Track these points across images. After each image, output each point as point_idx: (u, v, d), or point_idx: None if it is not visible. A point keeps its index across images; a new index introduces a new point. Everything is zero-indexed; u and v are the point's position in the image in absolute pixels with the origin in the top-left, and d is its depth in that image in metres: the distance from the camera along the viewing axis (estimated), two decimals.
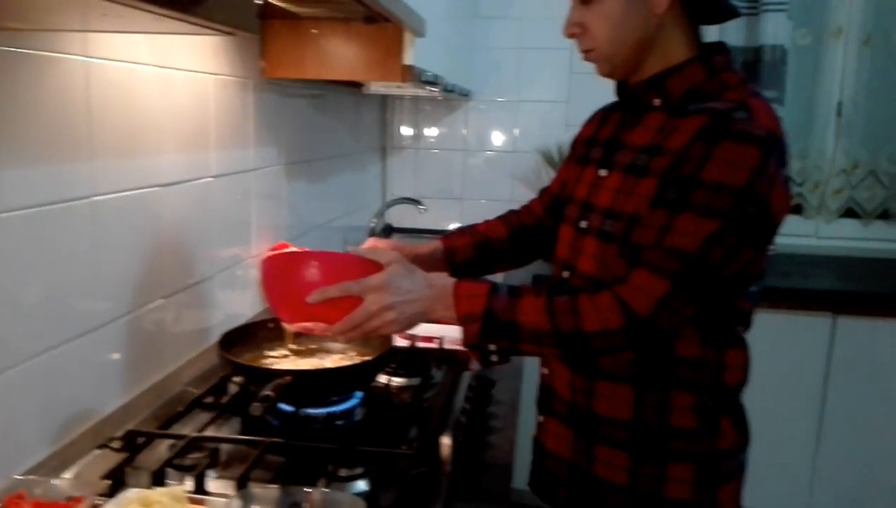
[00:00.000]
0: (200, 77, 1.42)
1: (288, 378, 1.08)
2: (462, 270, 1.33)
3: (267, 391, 1.00)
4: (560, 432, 1.21)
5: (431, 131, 3.08)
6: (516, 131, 3.02)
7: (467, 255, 1.34)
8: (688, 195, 0.98)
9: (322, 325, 1.05)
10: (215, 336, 1.51)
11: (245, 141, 1.65)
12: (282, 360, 1.30)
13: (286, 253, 1.11)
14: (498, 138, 3.05)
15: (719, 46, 1.13)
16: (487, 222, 1.41)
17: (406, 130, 3.08)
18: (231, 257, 1.63)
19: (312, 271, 1.04)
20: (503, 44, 2.95)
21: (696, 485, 1.11)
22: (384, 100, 3.00)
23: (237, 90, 1.59)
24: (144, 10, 0.59)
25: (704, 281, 0.99)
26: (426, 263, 1.26)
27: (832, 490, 2.45)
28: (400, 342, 1.54)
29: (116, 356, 1.22)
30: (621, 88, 1.19)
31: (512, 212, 1.44)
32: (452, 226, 3.07)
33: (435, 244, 1.34)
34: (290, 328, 1.14)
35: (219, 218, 1.55)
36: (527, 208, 1.43)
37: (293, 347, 1.33)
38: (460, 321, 1.03)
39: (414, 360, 1.42)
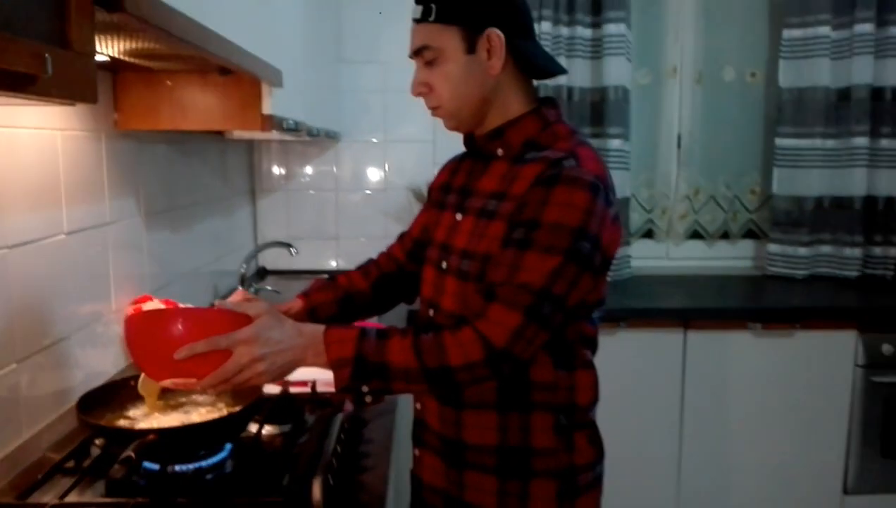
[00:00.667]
0: (47, 134, 1.39)
1: (151, 437, 1.07)
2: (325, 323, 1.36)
3: (128, 452, 0.99)
4: (433, 463, 1.27)
5: (303, 172, 3.10)
6: (387, 170, 3.09)
7: (330, 312, 1.37)
8: (531, 235, 1.08)
9: (191, 380, 1.05)
10: (76, 397, 1.46)
11: (99, 194, 1.61)
12: (146, 417, 1.28)
13: (151, 311, 1.10)
14: (369, 177, 3.11)
15: (551, 101, 1.25)
16: (348, 274, 1.45)
17: (276, 172, 3.08)
18: (90, 313, 1.58)
19: (178, 328, 1.04)
20: (369, 87, 3.02)
21: (558, 500, 1.20)
22: (251, 144, 3.00)
23: (88, 144, 1.56)
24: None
25: (552, 311, 1.08)
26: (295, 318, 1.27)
27: (696, 490, 2.64)
28: (271, 388, 1.54)
29: None
30: (468, 140, 1.29)
31: (371, 262, 1.48)
32: (330, 264, 3.09)
33: (295, 303, 1.36)
34: (157, 384, 1.13)
35: (75, 275, 1.50)
36: (387, 255, 1.49)
37: (159, 403, 1.31)
38: (332, 366, 1.07)
39: (286, 406, 1.43)
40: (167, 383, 1.07)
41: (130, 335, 1.08)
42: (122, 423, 1.24)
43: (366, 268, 1.47)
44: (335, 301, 1.38)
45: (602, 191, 1.11)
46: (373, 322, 2.21)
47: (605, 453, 1.28)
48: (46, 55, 0.66)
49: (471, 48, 1.17)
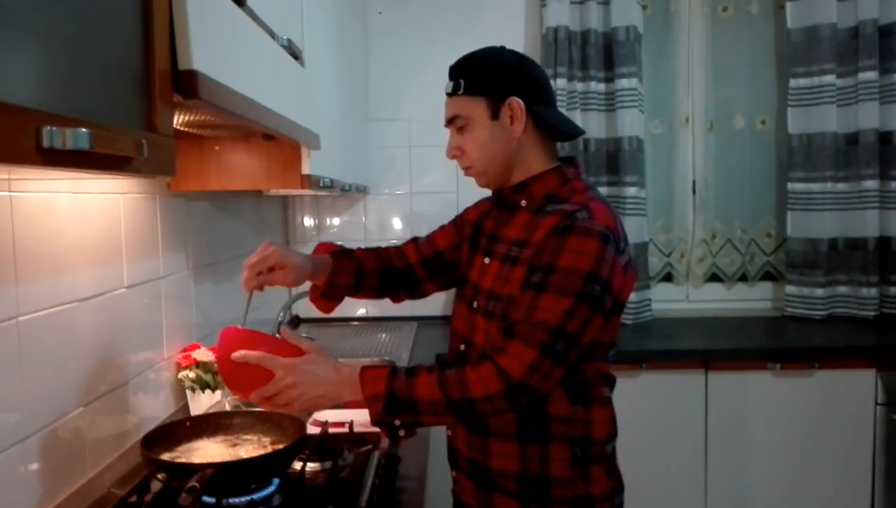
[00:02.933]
0: (112, 197, 1.54)
1: (210, 470, 1.18)
2: (336, 289, 1.50)
3: (193, 483, 1.10)
4: (466, 484, 1.40)
5: (333, 224, 3.25)
6: (413, 220, 3.23)
7: (346, 281, 1.50)
8: (547, 278, 1.20)
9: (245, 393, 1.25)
10: (132, 439, 1.59)
11: (154, 250, 1.76)
12: (201, 454, 1.39)
13: (238, 329, 1.29)
14: (396, 227, 3.25)
15: (571, 160, 1.40)
16: (363, 250, 1.57)
17: (308, 224, 3.24)
18: (145, 361, 1.71)
19: (248, 344, 1.24)
20: (395, 143, 3.19)
21: None
22: (285, 198, 3.16)
23: (145, 204, 1.71)
24: (88, 175, 0.74)
25: (566, 348, 1.20)
26: (315, 271, 1.45)
27: None
28: (312, 429, 1.65)
29: (37, 465, 1.28)
30: (496, 192, 1.43)
31: (382, 249, 1.60)
32: (360, 312, 3.22)
33: (323, 257, 1.49)
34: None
35: (132, 325, 1.64)
36: (398, 252, 1.60)
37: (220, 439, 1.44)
38: (367, 401, 1.21)
39: (326, 445, 1.53)
40: (235, 393, 1.31)
41: (219, 343, 1.28)
42: (180, 459, 1.35)
43: (377, 252, 1.58)
44: (353, 272, 1.51)
45: (612, 240, 1.23)
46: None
47: (624, 486, 1.36)
48: (143, 141, 0.80)
49: (495, 115, 1.32)
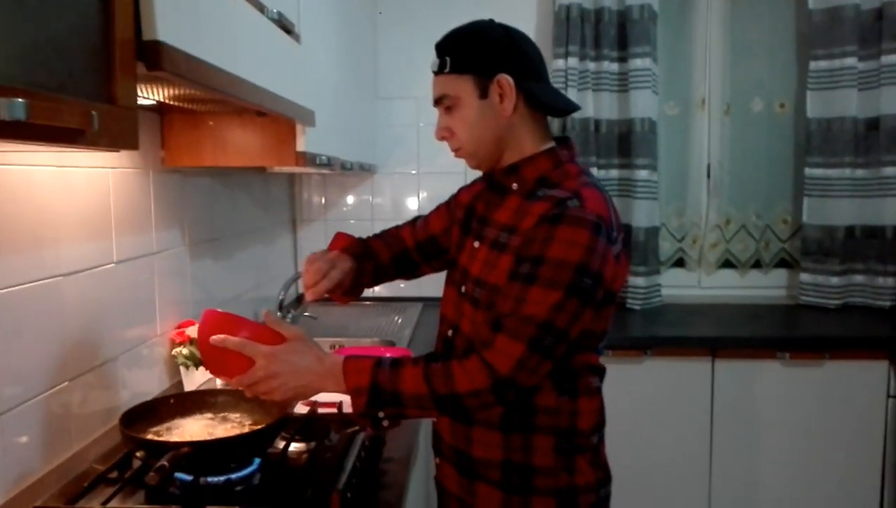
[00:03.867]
0: (100, 172, 1.53)
1: (185, 449, 1.17)
2: (356, 290, 1.52)
3: (162, 462, 1.09)
4: (449, 472, 1.37)
5: (342, 202, 3.23)
6: (421, 199, 3.21)
7: (367, 281, 1.53)
8: (536, 270, 1.16)
9: (227, 378, 1.22)
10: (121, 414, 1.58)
11: (147, 226, 1.75)
12: (182, 432, 1.38)
13: (219, 313, 1.26)
14: (405, 207, 3.22)
15: (565, 140, 1.34)
16: (375, 242, 1.59)
17: (316, 203, 3.22)
18: (137, 337, 1.70)
19: (228, 329, 1.20)
20: (404, 121, 3.16)
21: None
22: (292, 176, 3.14)
23: (137, 179, 1.70)
24: (63, 149, 0.72)
25: (554, 342, 1.16)
26: (347, 278, 1.45)
27: None
28: (301, 408, 1.64)
29: (22, 438, 1.28)
30: (487, 174, 1.38)
31: (388, 234, 1.61)
32: (366, 293, 3.19)
33: (347, 267, 1.47)
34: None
35: (123, 301, 1.63)
36: (397, 235, 1.60)
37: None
38: (350, 393, 1.18)
39: (313, 425, 1.52)
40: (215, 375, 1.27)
41: (200, 325, 1.25)
42: (161, 436, 1.35)
43: (387, 241, 1.59)
44: (373, 272, 1.54)
45: (604, 230, 1.18)
46: (401, 348, 2.30)
47: (611, 476, 1.33)
48: (93, 112, 0.78)
49: (483, 94, 1.26)
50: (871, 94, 2.85)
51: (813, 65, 2.90)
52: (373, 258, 1.54)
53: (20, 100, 0.65)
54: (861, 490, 2.59)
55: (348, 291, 1.51)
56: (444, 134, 1.33)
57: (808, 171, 2.95)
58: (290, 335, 1.22)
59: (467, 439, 1.30)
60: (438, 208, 1.58)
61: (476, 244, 1.34)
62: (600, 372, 1.33)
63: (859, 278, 2.97)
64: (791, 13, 3.08)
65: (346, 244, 1.55)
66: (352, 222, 3.23)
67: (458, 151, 1.34)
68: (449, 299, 1.40)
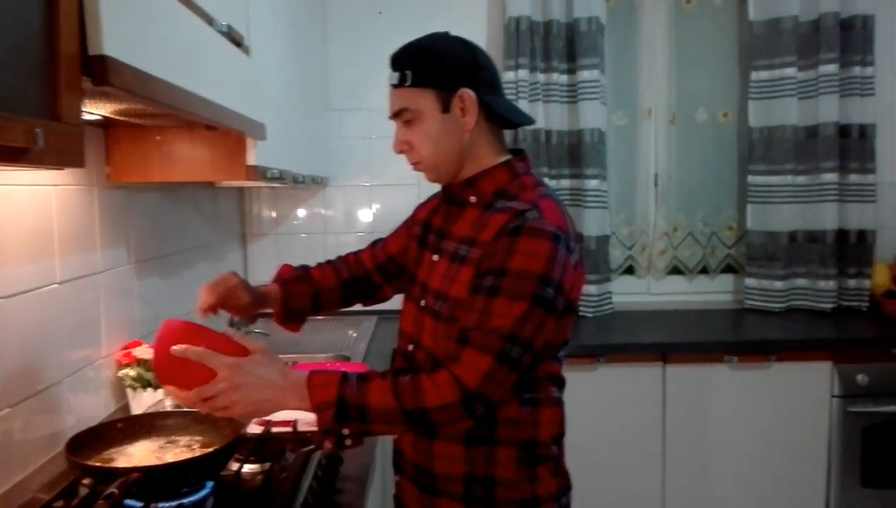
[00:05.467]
0: (42, 190, 1.48)
1: (135, 475, 1.13)
2: (292, 314, 1.53)
3: (112, 489, 1.05)
4: (410, 489, 1.35)
5: (293, 216, 3.19)
6: (374, 212, 3.19)
7: (302, 304, 1.53)
8: (499, 282, 1.16)
9: (182, 392, 1.15)
10: (66, 441, 1.52)
11: (91, 244, 1.69)
12: (131, 457, 1.34)
13: (182, 322, 1.20)
14: (358, 219, 3.20)
15: (521, 152, 1.36)
16: (320, 268, 1.58)
17: (267, 217, 3.17)
18: (82, 359, 1.64)
19: (188, 338, 1.15)
20: (355, 133, 3.14)
21: None
22: (241, 190, 3.09)
23: (81, 196, 1.64)
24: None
25: (521, 354, 1.16)
26: (265, 302, 1.48)
27: None
28: (254, 428, 1.61)
29: None
30: (445, 188, 1.39)
31: (342, 261, 1.60)
32: None
33: (272, 288, 1.52)
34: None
35: (67, 322, 1.58)
36: (357, 259, 1.60)
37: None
38: (315, 409, 1.14)
39: (268, 445, 1.48)
40: (166, 389, 1.20)
41: (156, 336, 1.19)
42: (109, 462, 1.30)
43: (337, 268, 1.58)
44: (309, 296, 1.53)
45: (563, 240, 1.19)
46: (357, 363, 2.28)
47: (571, 485, 1.34)
48: (37, 130, 0.75)
49: (445, 108, 1.27)
50: (810, 102, 2.95)
51: (754, 75, 2.98)
52: (309, 282, 1.54)
53: None
54: (809, 487, 2.66)
55: (285, 317, 1.53)
56: (403, 148, 1.32)
57: (751, 178, 3.04)
58: (254, 349, 1.18)
59: (429, 455, 1.29)
60: (397, 229, 1.59)
61: (435, 258, 1.34)
62: (560, 382, 1.33)
63: (802, 282, 3.06)
64: (733, 25, 3.17)
65: (282, 274, 1.56)
66: (303, 235, 3.19)
67: (417, 165, 1.33)
68: (408, 313, 1.39)
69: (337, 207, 3.20)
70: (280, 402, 1.15)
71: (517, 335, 1.14)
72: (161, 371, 1.19)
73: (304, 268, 1.58)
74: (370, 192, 3.18)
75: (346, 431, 1.14)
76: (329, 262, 1.61)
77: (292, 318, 1.55)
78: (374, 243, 1.62)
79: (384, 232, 3.08)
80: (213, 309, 1.42)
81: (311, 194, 3.17)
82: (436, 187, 1.43)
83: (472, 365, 1.13)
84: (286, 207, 3.18)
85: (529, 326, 1.15)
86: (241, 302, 1.43)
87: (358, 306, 1.57)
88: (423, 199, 1.56)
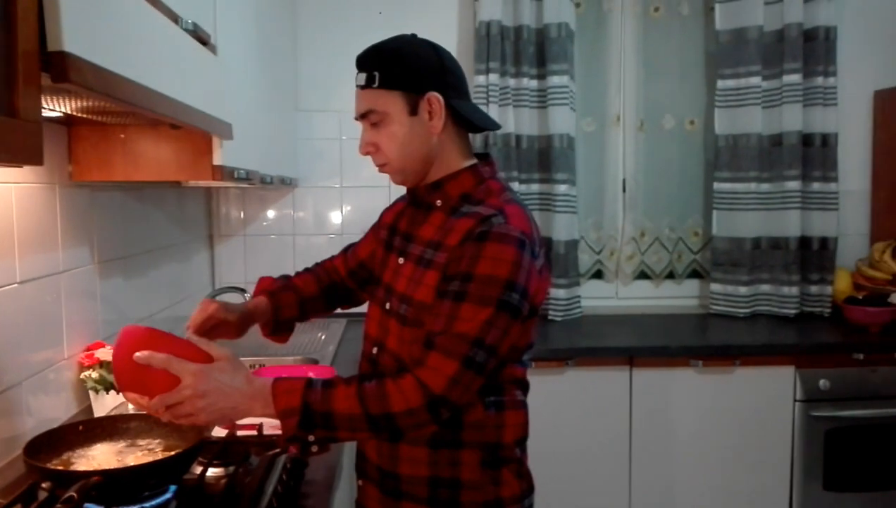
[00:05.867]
0: (1, 187, 1.45)
1: (95, 478, 1.11)
2: (283, 323, 1.51)
3: (70, 493, 1.03)
4: (373, 493, 1.34)
5: (262, 217, 3.16)
6: (344, 214, 3.18)
7: (292, 313, 1.52)
8: (465, 287, 1.16)
9: (143, 399, 1.13)
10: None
11: (53, 244, 1.66)
12: (91, 460, 1.31)
13: (143, 328, 1.18)
14: (327, 221, 3.18)
15: (486, 157, 1.36)
16: (301, 276, 1.58)
17: (235, 217, 3.14)
18: (42, 360, 1.61)
19: (151, 345, 1.13)
20: (325, 134, 3.13)
21: None
22: (209, 190, 3.06)
23: (43, 195, 1.61)
24: None
25: (486, 358, 1.16)
26: (255, 316, 1.46)
27: None
28: (219, 431, 1.59)
29: None
30: (411, 191, 1.38)
31: (320, 267, 1.61)
32: None
33: (260, 300, 1.49)
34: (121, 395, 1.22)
35: (27, 323, 1.54)
36: (330, 266, 1.61)
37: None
38: (279, 416, 1.13)
39: (233, 449, 1.47)
40: (127, 396, 1.16)
41: (117, 343, 1.17)
42: (69, 466, 1.28)
43: (317, 275, 1.59)
44: (297, 304, 1.52)
45: (528, 245, 1.20)
46: (325, 366, 2.27)
47: (534, 487, 1.35)
48: None
49: (413, 110, 1.27)
50: (774, 111, 3.00)
51: (720, 84, 3.03)
52: (294, 291, 1.54)
53: None
54: (772, 490, 2.70)
55: (275, 328, 1.52)
56: (370, 149, 1.32)
57: (716, 185, 3.08)
58: (218, 355, 1.16)
59: (393, 458, 1.28)
60: (366, 234, 1.59)
61: (400, 261, 1.34)
62: (524, 386, 1.34)
63: (766, 288, 3.11)
64: (700, 34, 3.22)
65: (265, 286, 1.54)
66: (272, 236, 3.17)
67: (383, 167, 1.33)
68: (372, 317, 1.39)
69: (307, 208, 3.18)
70: (245, 409, 1.15)
71: (483, 340, 1.15)
72: (122, 378, 1.16)
73: (286, 277, 1.57)
74: (340, 193, 3.17)
75: (311, 438, 1.14)
76: (307, 270, 1.61)
77: (281, 329, 1.53)
78: (346, 249, 1.62)
79: (354, 234, 3.12)
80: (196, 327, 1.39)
81: (280, 194, 3.15)
82: (404, 190, 1.43)
83: (438, 370, 1.14)
84: (255, 208, 3.16)
85: (495, 331, 1.16)
86: (227, 329, 1.41)
87: None
88: (393, 201, 1.56)
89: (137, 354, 1.11)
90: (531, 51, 2.98)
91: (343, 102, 3.05)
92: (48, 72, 0.86)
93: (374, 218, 1.60)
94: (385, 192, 3.07)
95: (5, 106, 0.81)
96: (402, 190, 1.42)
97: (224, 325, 1.39)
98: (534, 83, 3.00)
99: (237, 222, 3.15)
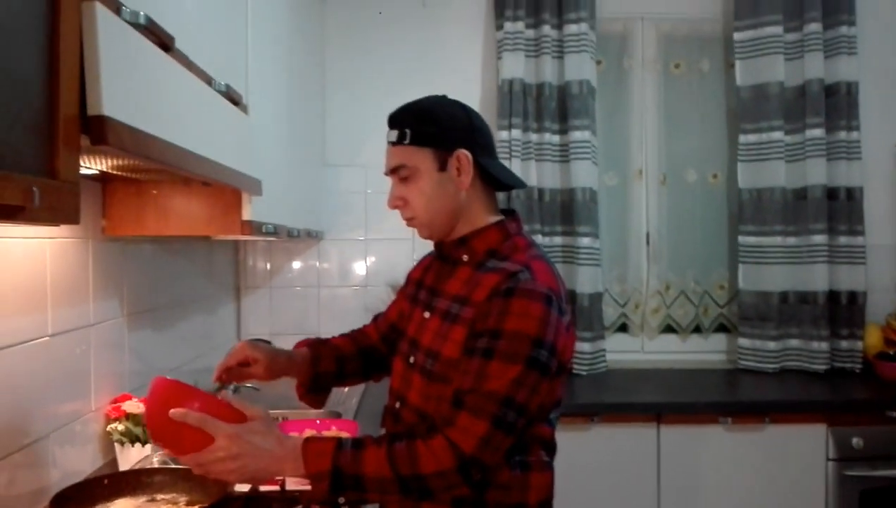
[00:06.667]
0: (36, 242, 1.49)
1: None
2: (320, 378, 1.50)
3: None
4: None
5: (288, 268, 3.20)
6: (368, 266, 3.20)
7: (328, 367, 1.51)
8: (494, 344, 1.16)
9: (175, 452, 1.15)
10: (52, 495, 1.50)
11: (84, 297, 1.69)
12: None
13: (175, 382, 1.20)
14: (352, 273, 3.21)
15: (513, 213, 1.38)
16: (336, 338, 1.59)
17: (262, 269, 3.18)
18: (70, 412, 1.63)
19: (184, 400, 1.14)
20: (351, 188, 3.18)
21: None
22: (237, 243, 3.11)
23: (76, 249, 1.65)
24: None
25: (517, 417, 1.16)
26: (292, 363, 1.46)
27: None
28: (242, 487, 1.58)
29: None
30: (438, 245, 1.40)
31: (357, 332, 1.62)
32: None
33: (300, 350, 1.50)
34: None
35: (57, 375, 1.57)
36: (363, 332, 1.61)
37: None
38: (310, 479, 1.14)
39: (255, 504, 1.46)
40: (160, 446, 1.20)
41: (150, 391, 1.18)
42: None
43: (353, 337, 1.60)
44: (334, 358, 1.52)
45: (555, 302, 1.20)
46: (348, 420, 2.26)
47: None
48: (34, 189, 0.76)
49: (442, 166, 1.30)
50: (798, 165, 3.00)
51: (742, 138, 3.04)
52: (332, 347, 1.54)
53: None
54: None
55: (313, 385, 1.51)
56: (398, 204, 1.35)
57: (741, 239, 3.06)
58: (251, 415, 1.17)
59: None
60: (396, 297, 1.60)
61: (426, 315, 1.35)
62: (551, 447, 1.32)
63: (795, 343, 3.06)
64: (721, 89, 3.24)
65: (304, 342, 1.56)
66: (297, 288, 3.20)
67: (410, 221, 1.36)
68: (397, 371, 1.39)
69: (332, 260, 3.22)
70: (276, 471, 1.15)
71: (513, 399, 1.14)
72: (155, 433, 1.18)
73: (321, 340, 1.59)
74: (365, 246, 3.21)
75: (341, 500, 1.14)
76: (342, 334, 1.62)
77: (319, 385, 1.52)
78: (376, 317, 1.64)
79: (378, 286, 3.15)
80: (227, 380, 1.42)
81: (306, 246, 3.19)
82: (429, 245, 1.45)
83: (468, 430, 1.13)
84: (281, 260, 3.20)
85: (524, 389, 1.15)
86: (258, 365, 1.41)
87: None
88: (417, 253, 1.58)
89: (173, 411, 1.12)
90: (553, 107, 3.02)
91: (369, 156, 3.12)
92: (87, 134, 0.90)
93: (398, 270, 1.63)
94: (409, 244, 3.10)
95: (46, 168, 0.84)
96: (426, 243, 1.44)
97: (253, 363, 1.41)
98: (556, 138, 3.03)
99: (263, 275, 3.19)
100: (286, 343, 2.91)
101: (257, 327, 3.14)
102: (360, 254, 3.21)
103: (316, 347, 1.52)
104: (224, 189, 1.75)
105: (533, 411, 1.19)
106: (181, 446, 1.14)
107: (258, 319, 3.17)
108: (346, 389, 2.73)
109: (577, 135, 2.97)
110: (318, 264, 3.21)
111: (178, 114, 1.18)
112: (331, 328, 3.17)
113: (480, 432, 1.13)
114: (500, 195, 2.92)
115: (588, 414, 2.58)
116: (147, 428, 1.20)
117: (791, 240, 3.04)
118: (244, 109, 1.68)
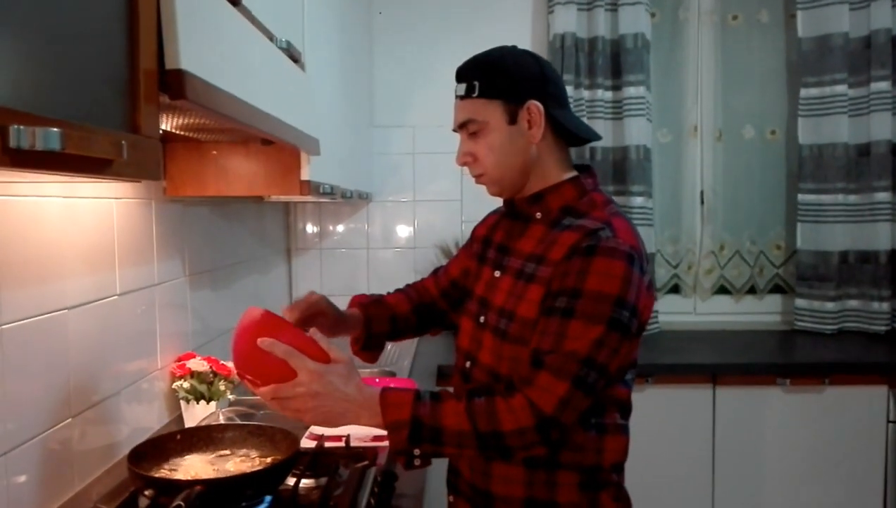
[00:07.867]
0: (104, 202, 1.50)
1: (198, 488, 1.13)
2: (373, 338, 1.49)
3: (179, 501, 1.05)
4: None
5: (336, 231, 3.21)
6: (416, 228, 3.19)
7: (382, 328, 1.49)
8: (574, 304, 1.13)
9: (257, 382, 1.13)
10: (123, 451, 1.54)
11: (149, 257, 1.71)
12: (190, 469, 1.34)
13: (268, 313, 1.18)
14: (399, 235, 3.21)
15: (588, 168, 1.33)
16: (392, 295, 1.56)
17: (311, 231, 3.20)
18: (137, 370, 1.66)
19: (274, 331, 1.13)
20: (399, 149, 3.15)
21: None
22: (287, 205, 3.12)
23: (140, 210, 1.67)
24: (59, 179, 0.70)
25: (597, 378, 1.13)
26: (347, 324, 1.44)
27: None
28: (307, 443, 1.60)
29: (23, 478, 1.24)
30: (508, 202, 1.36)
31: (410, 288, 1.59)
32: None
33: (353, 311, 1.48)
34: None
35: (124, 334, 1.60)
36: (421, 287, 1.58)
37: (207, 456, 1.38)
38: (388, 428, 1.12)
39: (321, 461, 1.48)
40: (242, 378, 1.18)
41: (240, 324, 1.18)
42: (170, 475, 1.31)
43: (408, 294, 1.57)
44: (388, 319, 1.50)
45: (637, 261, 1.16)
46: (404, 379, 2.27)
47: None
48: (123, 142, 0.76)
49: (512, 120, 1.24)
50: (862, 120, 2.89)
51: (804, 92, 2.94)
52: (385, 307, 1.52)
53: (55, 130, 0.63)
54: None
55: (366, 343, 1.49)
56: (468, 159, 1.30)
57: (800, 197, 2.98)
58: (336, 357, 1.15)
59: (487, 475, 1.26)
60: (457, 253, 1.57)
61: (497, 274, 1.32)
62: (626, 409, 1.29)
63: (854, 304, 2.99)
64: (781, 41, 3.13)
65: (358, 300, 1.53)
66: (346, 250, 3.21)
67: (479, 178, 1.31)
68: (465, 330, 1.36)
69: (379, 222, 3.21)
70: (353, 417, 1.13)
71: (593, 359, 1.12)
72: (239, 359, 1.17)
73: (378, 295, 1.56)
74: (413, 207, 3.19)
75: (416, 451, 1.12)
76: (398, 290, 1.59)
77: (373, 344, 1.50)
78: (436, 271, 1.60)
79: (426, 247, 3.14)
80: (299, 322, 1.39)
81: (354, 209, 3.19)
82: (486, 201, 1.41)
83: (548, 390, 1.11)
84: (329, 221, 3.21)
85: (605, 349, 1.13)
86: (325, 320, 1.39)
87: None
88: (465, 215, 1.55)
89: (261, 340, 1.11)
90: (606, 62, 2.95)
91: (417, 117, 3.09)
92: (165, 90, 0.89)
93: (446, 232, 1.59)
94: (457, 205, 3.08)
95: (128, 123, 0.84)
96: (475, 204, 1.40)
97: (321, 317, 1.38)
98: (609, 94, 2.96)
99: (313, 236, 3.20)
100: (339, 303, 2.95)
101: (308, 287, 3.16)
102: (408, 216, 3.20)
103: (368, 308, 1.49)
104: (282, 149, 1.74)
105: (612, 372, 1.17)
106: (264, 376, 1.12)
107: (308, 280, 3.19)
108: (397, 350, 2.75)
109: (630, 91, 2.89)
110: (366, 226, 3.21)
111: (247, 70, 1.16)
112: (380, 290, 3.18)
113: (560, 392, 1.10)
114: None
115: (642, 375, 2.55)
116: (232, 354, 1.19)
117: (852, 198, 2.94)
118: (302, 66, 1.66)
